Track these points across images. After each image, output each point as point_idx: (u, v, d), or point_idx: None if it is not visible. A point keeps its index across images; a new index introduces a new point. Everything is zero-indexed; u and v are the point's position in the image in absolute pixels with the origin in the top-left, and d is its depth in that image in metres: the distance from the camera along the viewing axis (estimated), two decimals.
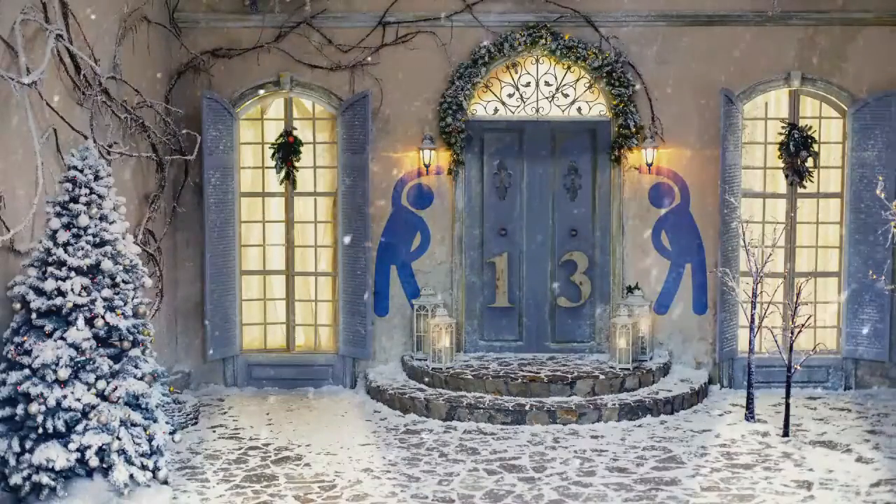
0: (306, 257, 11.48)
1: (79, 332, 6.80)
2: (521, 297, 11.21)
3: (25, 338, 6.79)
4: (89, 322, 6.88)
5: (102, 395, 6.92)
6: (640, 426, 9.66)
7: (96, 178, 7.15)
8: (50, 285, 6.81)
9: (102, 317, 6.90)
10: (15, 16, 7.43)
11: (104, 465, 6.89)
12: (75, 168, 7.04)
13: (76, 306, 6.84)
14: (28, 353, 6.77)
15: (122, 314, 7.01)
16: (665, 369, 10.81)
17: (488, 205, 11.22)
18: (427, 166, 11.03)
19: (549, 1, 10.91)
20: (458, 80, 10.88)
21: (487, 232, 11.21)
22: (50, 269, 6.86)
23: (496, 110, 11.18)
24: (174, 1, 10.81)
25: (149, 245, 10.14)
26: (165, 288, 10.53)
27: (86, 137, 8.32)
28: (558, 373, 10.32)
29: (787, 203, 11.13)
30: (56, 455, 6.69)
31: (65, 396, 6.73)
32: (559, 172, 11.19)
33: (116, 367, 7.03)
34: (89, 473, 6.94)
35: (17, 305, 6.91)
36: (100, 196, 7.09)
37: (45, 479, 6.73)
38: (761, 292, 9.95)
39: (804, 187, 11.01)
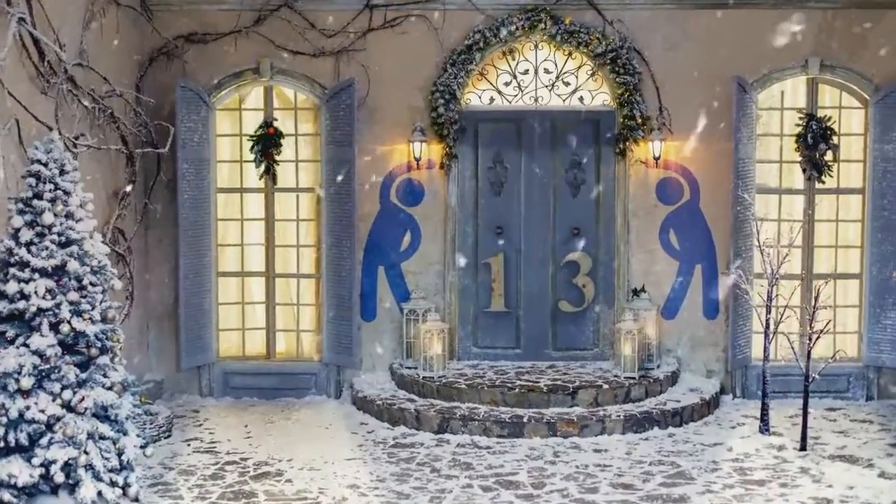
0: (288, 258, 11.48)
1: (43, 339, 6.76)
2: (519, 300, 11.23)
3: None
4: (54, 327, 6.85)
5: (68, 406, 6.88)
6: (646, 439, 9.68)
7: (62, 172, 7.09)
8: (12, 288, 6.78)
9: (68, 322, 6.87)
10: None
11: (70, 482, 6.84)
12: (39, 162, 6.99)
13: (40, 310, 6.80)
14: None
15: (90, 319, 6.98)
16: (673, 378, 10.84)
17: (483, 201, 11.25)
18: (417, 160, 11.05)
19: None
20: (451, 68, 10.91)
21: (482, 230, 11.25)
22: (12, 270, 6.84)
23: (492, 100, 11.21)
24: None
25: (118, 245, 10.15)
26: (136, 291, 10.54)
27: (50, 129, 8.26)
28: (559, 382, 10.33)
29: (804, 199, 11.16)
30: (19, 470, 6.66)
31: (28, 407, 6.71)
32: (560, 166, 11.23)
33: (83, 375, 6.99)
34: (54, 490, 6.90)
35: None
36: (66, 192, 7.06)
37: (6, 496, 6.70)
38: (777, 295, 9.91)
39: (823, 182, 11.02)
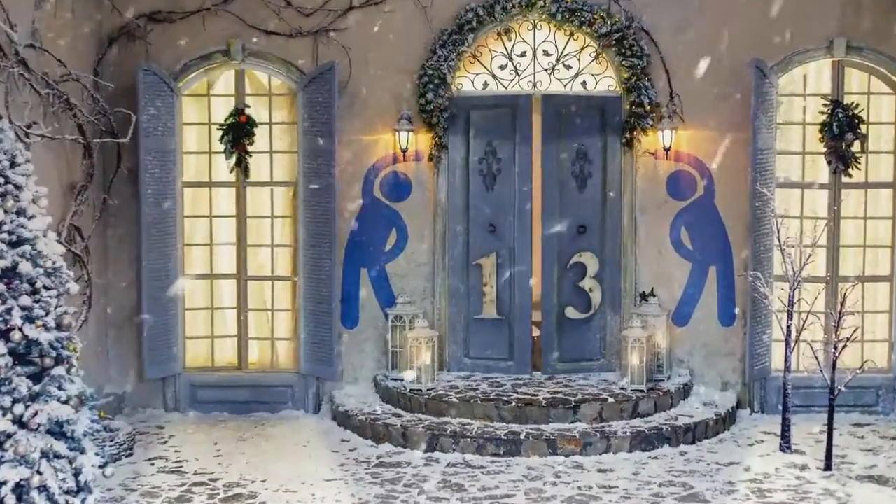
0: (261, 259, 11.49)
1: None
2: (513, 306, 11.23)
3: None
4: (4, 335, 6.81)
5: (20, 422, 6.82)
6: (655, 458, 9.67)
7: (12, 164, 7.03)
8: None
9: (20, 329, 6.82)
10: None
11: None
12: None
13: None
14: None
15: (44, 326, 6.93)
16: (685, 391, 10.86)
17: (475, 196, 11.24)
18: (404, 151, 11.05)
19: None
20: (440, 50, 10.91)
21: (474, 228, 11.26)
22: None
23: (486, 84, 11.22)
24: None
25: (75, 244, 10.12)
26: (94, 294, 10.50)
27: (0, 117, 8.22)
28: (559, 395, 10.34)
29: (829, 194, 11.14)
30: None
31: None
32: (566, 158, 11.23)
33: (36, 388, 6.92)
34: None
35: None
36: (17, 186, 7.01)
37: None
38: (799, 300, 9.94)
39: (850, 176, 11.00)
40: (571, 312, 11.31)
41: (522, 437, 9.72)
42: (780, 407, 10.06)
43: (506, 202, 11.19)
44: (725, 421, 10.53)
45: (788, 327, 9.81)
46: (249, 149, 11.13)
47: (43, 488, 6.83)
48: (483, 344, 11.26)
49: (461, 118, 11.13)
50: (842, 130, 10.78)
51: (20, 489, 6.75)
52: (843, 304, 9.46)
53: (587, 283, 11.25)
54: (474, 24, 10.88)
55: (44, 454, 6.86)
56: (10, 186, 6.98)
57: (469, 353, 11.31)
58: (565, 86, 11.21)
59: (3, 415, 6.74)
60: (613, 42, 10.89)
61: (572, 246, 11.26)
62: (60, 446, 6.98)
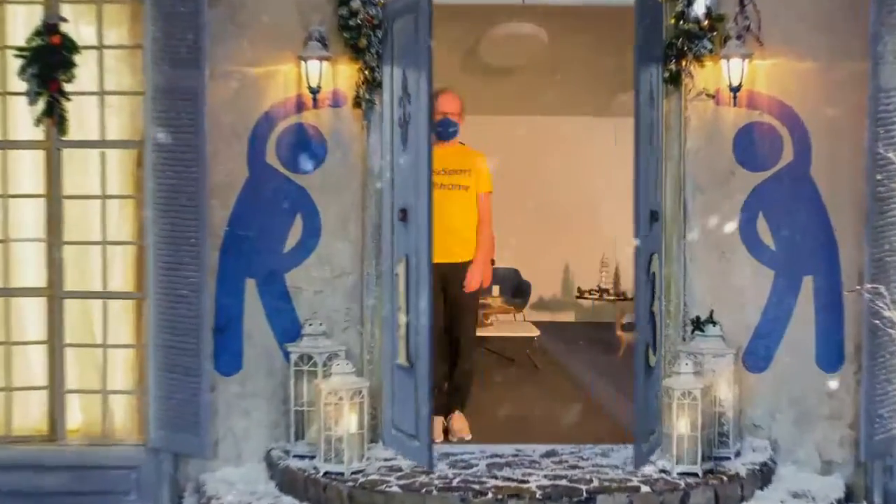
0: (87, 265, 10.41)
1: None
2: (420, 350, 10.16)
3: None
4: None
5: None
6: None
7: None
8: None
9: None
10: None
11: None
12: None
13: None
14: None
15: None
16: (764, 475, 9.77)
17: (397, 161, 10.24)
18: (315, 91, 9.92)
19: None
20: None
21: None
22: None
23: None
24: None
25: None
26: None
27: None
28: (563, 482, 9.19)
29: None
30: None
31: None
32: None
33: None
34: None
35: None
36: None
37: None
38: None
39: None
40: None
41: None
42: None
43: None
44: None
45: None
46: (67, 88, 9.89)
47: None
48: (402, 404, 10.23)
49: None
50: None
51: None
52: None
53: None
54: None
55: None
56: None
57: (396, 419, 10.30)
58: None
59: None
60: None
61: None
62: None
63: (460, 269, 10.25)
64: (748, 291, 10.15)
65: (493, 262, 12.27)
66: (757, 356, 10.17)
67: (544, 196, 18.48)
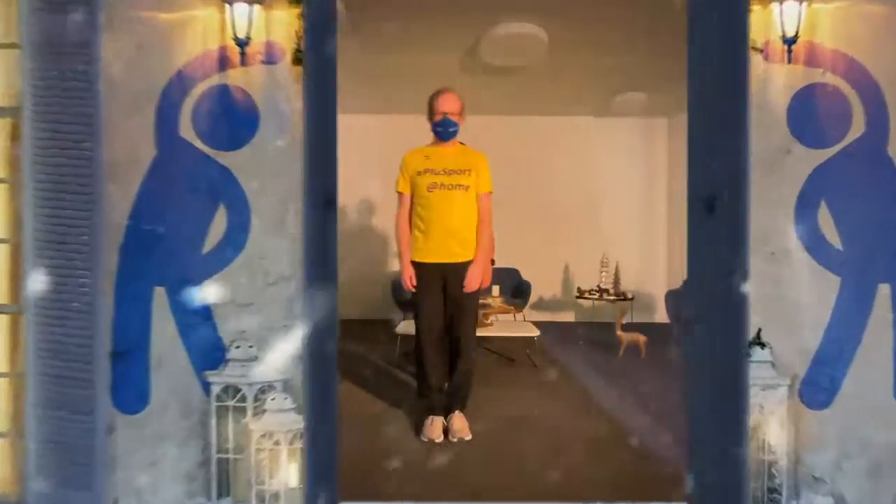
0: None
1: None
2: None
3: None
4: None
5: None
6: None
7: None
8: None
9: None
10: None
11: None
12: None
13: None
14: None
15: None
16: None
17: None
18: (243, 44, 8.54)
19: None
20: None
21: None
22: None
23: None
24: None
25: None
26: None
27: None
28: None
29: None
30: None
31: None
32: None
33: None
34: None
35: None
36: None
37: None
38: None
39: None
40: None
41: None
42: None
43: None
44: None
45: None
46: None
47: None
48: None
49: None
50: None
51: None
52: None
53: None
54: None
55: None
56: None
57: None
58: None
59: None
60: None
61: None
62: None
63: (460, 269, 10.39)
64: (806, 304, 8.68)
65: (493, 262, 12.65)
66: (818, 388, 8.75)
67: (544, 196, 19.17)
